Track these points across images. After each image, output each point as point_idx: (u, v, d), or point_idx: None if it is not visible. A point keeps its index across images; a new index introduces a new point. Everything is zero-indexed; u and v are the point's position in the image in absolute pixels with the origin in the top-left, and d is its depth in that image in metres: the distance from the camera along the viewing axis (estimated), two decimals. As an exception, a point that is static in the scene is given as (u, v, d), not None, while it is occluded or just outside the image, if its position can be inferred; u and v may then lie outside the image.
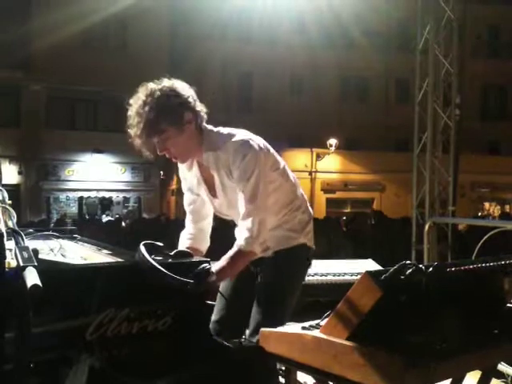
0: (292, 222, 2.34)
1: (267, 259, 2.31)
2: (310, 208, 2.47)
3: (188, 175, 2.42)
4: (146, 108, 2.10)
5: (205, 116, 2.27)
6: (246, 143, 2.18)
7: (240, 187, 2.17)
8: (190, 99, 2.20)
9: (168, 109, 2.12)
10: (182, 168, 2.42)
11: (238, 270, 2.18)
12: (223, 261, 2.08)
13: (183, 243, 2.44)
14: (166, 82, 2.18)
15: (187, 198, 2.48)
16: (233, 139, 2.20)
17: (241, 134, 2.25)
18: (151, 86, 2.16)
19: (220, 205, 2.35)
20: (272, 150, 2.33)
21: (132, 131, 2.14)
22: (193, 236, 2.45)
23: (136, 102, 2.14)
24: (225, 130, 2.28)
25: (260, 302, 2.26)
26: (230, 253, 2.13)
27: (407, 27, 17.14)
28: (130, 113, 2.15)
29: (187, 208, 2.49)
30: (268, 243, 2.25)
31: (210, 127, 2.29)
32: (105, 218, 16.38)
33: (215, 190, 2.32)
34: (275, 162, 2.31)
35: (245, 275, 2.39)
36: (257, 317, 2.23)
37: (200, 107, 2.25)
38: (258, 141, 2.25)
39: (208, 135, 2.25)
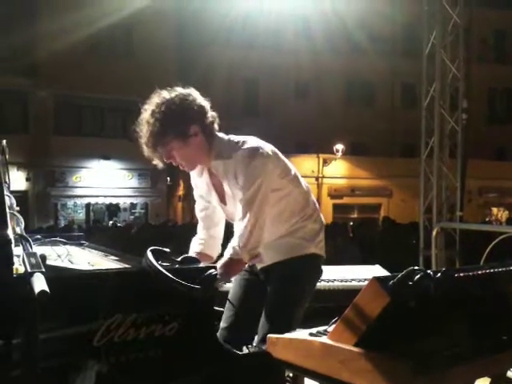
0: (303, 231, 2.32)
1: (277, 267, 2.30)
2: (322, 216, 2.45)
3: (199, 182, 2.43)
4: (154, 119, 2.14)
5: (216, 126, 2.28)
6: (253, 151, 2.18)
7: (241, 194, 2.18)
8: (200, 111, 2.21)
9: (174, 122, 2.15)
10: (193, 175, 2.43)
11: (230, 277, 2.26)
12: (218, 269, 2.08)
13: (194, 248, 2.46)
14: (179, 92, 2.20)
15: (199, 205, 2.49)
16: (242, 147, 2.20)
17: (250, 141, 2.24)
18: (163, 94, 2.19)
19: (231, 212, 2.35)
20: (282, 157, 2.32)
21: (141, 137, 2.19)
22: (204, 242, 2.47)
23: (147, 110, 2.18)
24: (235, 138, 2.28)
25: (269, 311, 2.25)
26: (221, 261, 2.17)
27: (412, 32, 17.12)
28: (141, 117, 2.19)
29: (199, 214, 2.50)
30: (259, 252, 2.23)
31: (220, 135, 2.29)
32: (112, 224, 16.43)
33: (225, 198, 2.33)
34: (285, 169, 2.30)
35: (254, 282, 2.39)
36: (266, 325, 2.22)
37: (211, 118, 2.26)
38: (267, 148, 2.24)
39: (218, 144, 2.26)
